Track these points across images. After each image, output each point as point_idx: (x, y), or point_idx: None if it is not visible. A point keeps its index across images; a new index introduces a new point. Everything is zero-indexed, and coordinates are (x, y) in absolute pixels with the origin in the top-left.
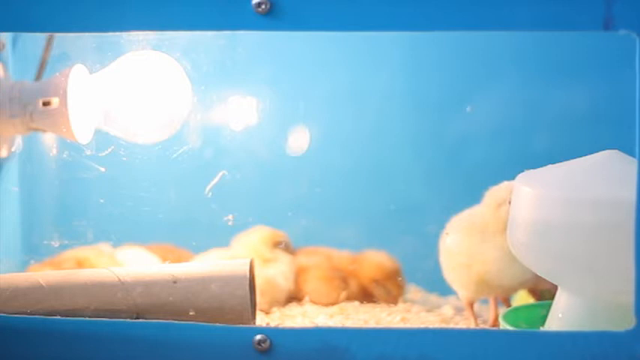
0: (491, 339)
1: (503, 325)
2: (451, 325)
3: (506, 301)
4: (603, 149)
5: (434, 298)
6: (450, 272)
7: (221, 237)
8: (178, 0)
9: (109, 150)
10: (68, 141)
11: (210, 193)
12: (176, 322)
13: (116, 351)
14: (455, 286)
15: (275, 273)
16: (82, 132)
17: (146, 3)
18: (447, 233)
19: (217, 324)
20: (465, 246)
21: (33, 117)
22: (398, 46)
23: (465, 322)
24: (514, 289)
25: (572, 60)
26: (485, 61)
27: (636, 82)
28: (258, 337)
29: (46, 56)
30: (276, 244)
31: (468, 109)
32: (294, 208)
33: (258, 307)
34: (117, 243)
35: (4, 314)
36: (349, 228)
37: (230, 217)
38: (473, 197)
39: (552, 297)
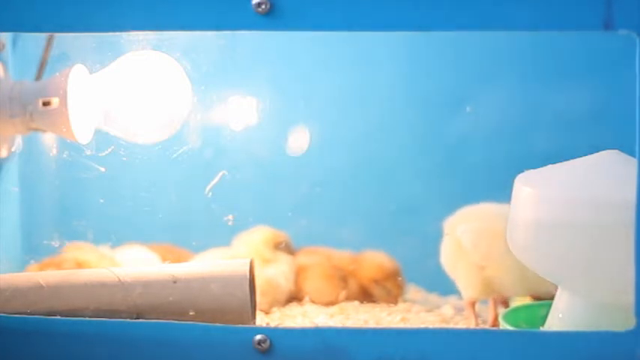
0: (492, 339)
1: (503, 325)
2: (451, 325)
3: (505, 302)
4: (603, 149)
5: (434, 298)
6: (458, 270)
7: (221, 237)
8: (178, 0)
9: (109, 150)
10: (68, 141)
11: (210, 193)
12: (176, 322)
13: (116, 351)
14: (459, 285)
15: (275, 273)
16: (82, 132)
17: (146, 3)
18: (446, 234)
19: (217, 324)
20: (482, 246)
21: (33, 117)
22: (398, 46)
23: (465, 322)
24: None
25: (572, 60)
26: (485, 61)
27: (636, 82)
28: (258, 337)
29: (46, 56)
30: (277, 245)
31: (468, 109)
32: (294, 208)
33: (258, 307)
34: (117, 243)
35: (4, 314)
36: (349, 228)
37: (230, 217)
38: (473, 197)
39: (552, 297)
